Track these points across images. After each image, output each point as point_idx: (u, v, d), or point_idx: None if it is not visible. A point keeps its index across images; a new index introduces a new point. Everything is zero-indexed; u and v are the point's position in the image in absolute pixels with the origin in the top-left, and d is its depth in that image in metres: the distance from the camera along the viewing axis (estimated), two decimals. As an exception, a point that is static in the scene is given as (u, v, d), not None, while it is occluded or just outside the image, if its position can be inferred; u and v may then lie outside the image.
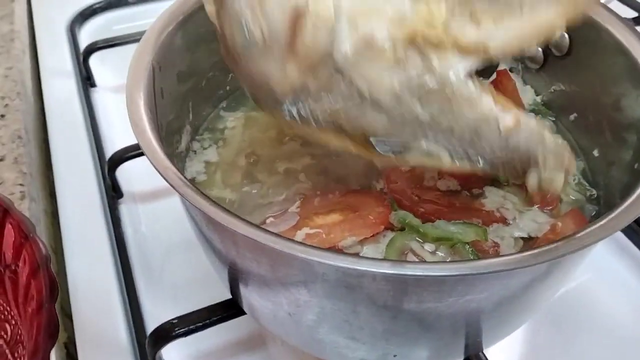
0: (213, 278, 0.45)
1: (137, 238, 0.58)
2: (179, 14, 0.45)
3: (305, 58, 0.35)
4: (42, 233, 0.61)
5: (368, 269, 0.28)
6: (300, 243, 0.31)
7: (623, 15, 0.47)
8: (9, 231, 0.39)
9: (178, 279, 0.54)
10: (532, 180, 0.36)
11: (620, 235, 0.54)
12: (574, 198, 0.45)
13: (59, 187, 0.64)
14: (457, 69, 0.34)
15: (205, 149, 0.50)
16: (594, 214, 0.44)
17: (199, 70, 0.50)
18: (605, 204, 0.44)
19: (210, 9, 0.38)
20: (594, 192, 0.46)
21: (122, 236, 0.58)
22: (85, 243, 0.58)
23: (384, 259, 0.38)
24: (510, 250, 0.41)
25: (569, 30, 0.48)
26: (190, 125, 0.49)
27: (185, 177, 0.34)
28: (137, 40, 0.75)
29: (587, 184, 0.46)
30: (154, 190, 0.63)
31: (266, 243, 0.31)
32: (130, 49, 0.76)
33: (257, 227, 0.32)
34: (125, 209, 0.61)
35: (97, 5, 0.91)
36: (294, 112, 0.37)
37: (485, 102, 0.35)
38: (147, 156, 0.34)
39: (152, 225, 0.59)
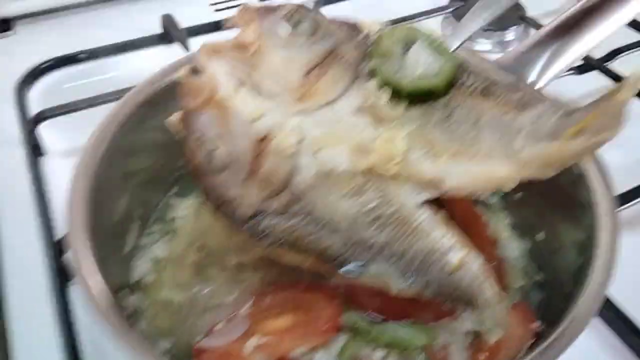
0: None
1: (88, 324, 0.57)
2: (118, 118, 0.45)
3: (266, 183, 0.37)
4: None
5: None
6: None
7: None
8: None
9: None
10: (467, 326, 0.40)
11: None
12: (520, 284, 0.46)
13: (4, 269, 0.62)
14: (411, 200, 0.36)
15: (154, 243, 0.49)
16: (539, 300, 0.45)
17: (147, 163, 0.49)
18: (551, 289, 0.45)
19: (172, 121, 0.38)
20: (540, 276, 0.46)
21: (72, 323, 0.56)
22: (32, 330, 0.56)
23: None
24: (459, 349, 0.41)
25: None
26: (140, 219, 0.49)
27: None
28: (87, 106, 0.74)
29: (532, 268, 0.47)
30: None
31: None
32: (81, 114, 0.76)
33: None
34: (75, 293, 0.60)
35: (46, 64, 0.88)
36: (252, 230, 0.39)
37: (435, 234, 0.36)
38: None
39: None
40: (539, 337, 0.41)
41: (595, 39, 0.52)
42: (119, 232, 0.45)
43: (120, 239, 0.45)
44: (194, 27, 0.87)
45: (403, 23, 0.81)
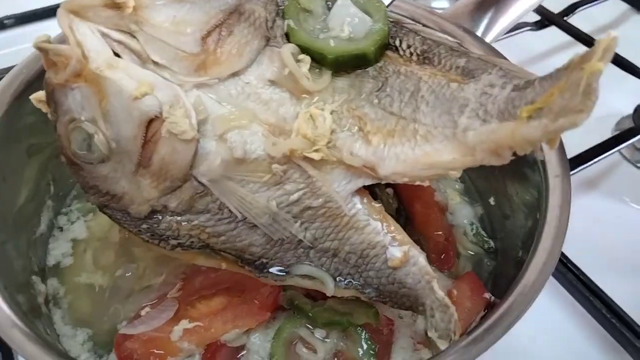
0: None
1: None
2: (8, 90, 0.39)
3: (161, 173, 0.30)
4: None
5: None
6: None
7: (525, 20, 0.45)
8: None
9: None
10: (419, 326, 0.36)
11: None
12: (472, 253, 0.44)
13: None
14: (341, 189, 0.31)
15: (72, 222, 0.45)
16: (491, 269, 0.43)
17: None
18: (503, 256, 0.43)
19: (37, 98, 0.32)
20: (492, 243, 0.44)
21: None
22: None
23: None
24: (406, 325, 0.39)
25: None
26: (53, 200, 0.44)
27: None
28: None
29: (484, 235, 0.44)
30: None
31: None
32: None
33: None
34: None
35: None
36: (151, 230, 0.32)
37: (373, 227, 0.32)
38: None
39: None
40: (491, 307, 0.39)
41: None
42: (27, 213, 0.40)
43: (30, 221, 0.41)
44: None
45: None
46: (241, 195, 0.31)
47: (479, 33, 0.45)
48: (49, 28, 0.79)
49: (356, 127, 0.30)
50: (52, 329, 0.38)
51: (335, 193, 0.31)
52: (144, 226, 0.32)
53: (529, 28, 0.75)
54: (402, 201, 0.45)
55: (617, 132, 0.59)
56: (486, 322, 0.32)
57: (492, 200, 0.45)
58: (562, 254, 0.47)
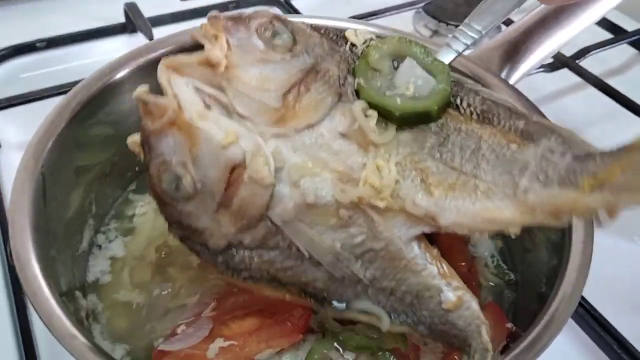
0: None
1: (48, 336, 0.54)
2: (66, 111, 0.42)
3: (240, 214, 0.33)
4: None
5: None
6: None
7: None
8: None
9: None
10: None
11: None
12: (492, 284, 0.45)
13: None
14: (402, 235, 0.33)
15: (110, 241, 0.47)
16: (511, 300, 0.44)
17: (102, 157, 0.46)
18: (524, 289, 0.44)
19: (132, 143, 0.35)
20: (512, 276, 0.46)
21: (29, 326, 0.53)
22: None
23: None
24: (431, 352, 0.40)
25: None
26: (94, 218, 0.46)
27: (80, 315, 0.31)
28: (46, 97, 0.71)
29: (505, 267, 0.46)
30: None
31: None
32: (40, 105, 0.72)
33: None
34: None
35: (2, 53, 0.84)
36: (226, 263, 0.36)
37: (429, 270, 0.34)
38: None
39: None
40: (512, 338, 0.40)
41: (567, 35, 0.51)
42: (72, 230, 0.43)
43: (74, 238, 0.43)
44: (159, 16, 0.84)
45: (373, 18, 0.80)
46: (310, 236, 0.33)
47: (503, 74, 0.48)
48: (78, 52, 0.83)
49: (419, 179, 0.33)
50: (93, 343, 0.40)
51: (397, 238, 0.33)
52: (220, 259, 0.36)
53: (542, 70, 0.78)
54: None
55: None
56: (512, 353, 0.33)
57: (512, 234, 0.46)
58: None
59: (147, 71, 0.47)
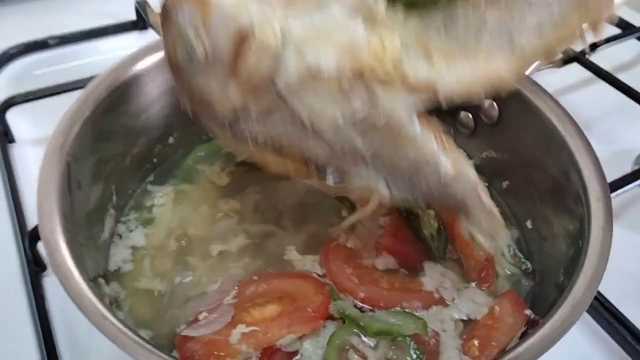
0: None
1: (63, 314, 0.54)
2: (89, 102, 0.42)
3: (247, 80, 0.34)
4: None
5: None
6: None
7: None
8: None
9: (104, 355, 0.50)
10: (465, 231, 0.39)
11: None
12: (509, 272, 0.46)
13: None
14: (403, 106, 0.34)
15: (131, 231, 0.47)
16: (529, 289, 0.45)
17: (122, 149, 0.47)
18: (541, 278, 0.45)
19: (155, 19, 0.36)
20: (529, 265, 0.46)
21: (46, 313, 0.54)
22: (6, 322, 0.54)
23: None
24: (451, 337, 0.41)
25: (498, 100, 0.48)
26: (114, 208, 0.47)
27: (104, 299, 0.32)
28: (59, 93, 0.72)
29: (522, 256, 0.47)
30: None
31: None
32: (52, 101, 0.73)
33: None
34: (49, 283, 0.57)
35: (13, 50, 0.85)
36: (233, 130, 0.36)
37: (428, 144, 0.35)
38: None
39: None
40: (530, 324, 0.41)
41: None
42: (94, 219, 0.43)
43: (95, 227, 0.43)
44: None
45: None
46: (312, 106, 0.34)
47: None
48: (89, 49, 0.84)
49: (422, 54, 0.34)
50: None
51: (397, 113, 0.34)
52: (228, 130, 0.37)
53: (551, 65, 0.78)
54: (443, 222, 0.47)
55: (637, 167, 0.62)
56: (530, 339, 0.34)
57: (529, 224, 0.47)
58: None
59: (160, 68, 0.48)
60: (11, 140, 0.72)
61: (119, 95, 0.45)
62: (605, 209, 0.38)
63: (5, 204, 0.64)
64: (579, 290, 0.35)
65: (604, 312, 0.49)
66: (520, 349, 0.33)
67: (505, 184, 0.50)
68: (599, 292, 0.50)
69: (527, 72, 0.49)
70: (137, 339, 0.30)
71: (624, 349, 0.49)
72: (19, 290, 0.56)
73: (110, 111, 0.44)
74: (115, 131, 0.45)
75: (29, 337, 0.51)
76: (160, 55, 0.47)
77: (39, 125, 0.74)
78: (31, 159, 0.70)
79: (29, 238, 0.57)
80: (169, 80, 0.49)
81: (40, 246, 0.57)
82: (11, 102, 0.72)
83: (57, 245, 0.33)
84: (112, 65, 0.46)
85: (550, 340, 0.33)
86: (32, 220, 0.59)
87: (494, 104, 0.49)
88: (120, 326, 0.30)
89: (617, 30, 0.85)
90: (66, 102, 0.73)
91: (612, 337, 0.49)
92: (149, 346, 0.30)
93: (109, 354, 0.50)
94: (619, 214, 0.64)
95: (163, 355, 0.29)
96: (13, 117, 0.73)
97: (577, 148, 0.42)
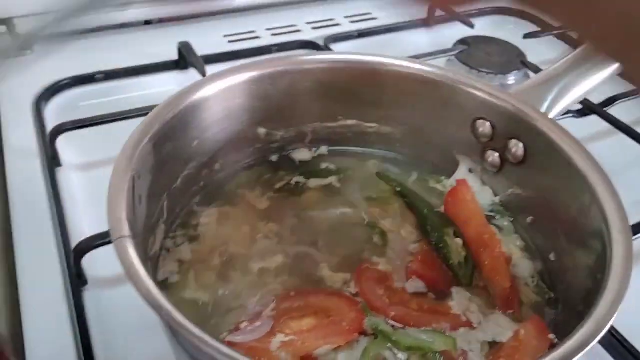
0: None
1: (101, 327, 0.57)
2: (154, 123, 0.47)
3: None
4: (1, 321, 0.59)
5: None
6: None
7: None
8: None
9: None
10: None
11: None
12: (533, 301, 0.48)
13: (20, 273, 0.62)
14: None
15: (178, 246, 0.51)
16: (552, 317, 0.47)
17: (175, 170, 0.51)
18: (564, 307, 0.47)
19: None
20: (552, 295, 0.48)
21: (86, 325, 0.57)
22: (48, 332, 0.56)
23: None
24: (477, 357, 0.43)
25: (525, 140, 0.52)
26: (165, 224, 0.50)
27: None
28: (105, 122, 0.77)
29: (544, 286, 0.49)
30: (120, 277, 0.62)
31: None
32: (97, 130, 0.78)
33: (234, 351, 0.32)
34: (89, 297, 0.60)
35: (63, 82, 0.91)
36: None
37: None
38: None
39: (118, 314, 0.58)
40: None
41: (598, 79, 0.56)
42: (148, 232, 0.46)
43: (149, 239, 0.47)
44: (211, 55, 0.91)
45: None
46: None
47: (544, 109, 0.52)
48: (133, 85, 0.90)
49: None
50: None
51: None
52: None
53: (571, 115, 0.82)
54: (470, 251, 0.50)
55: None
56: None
57: (552, 257, 0.50)
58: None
59: (228, 92, 0.53)
60: (58, 164, 0.77)
61: (179, 120, 0.49)
62: (626, 244, 0.41)
63: (51, 223, 0.68)
64: (599, 315, 0.37)
65: (620, 348, 0.51)
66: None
67: (529, 219, 0.53)
68: (616, 330, 0.53)
69: (551, 116, 0.53)
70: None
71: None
72: (60, 303, 0.59)
73: (170, 135, 0.48)
74: (171, 154, 0.49)
75: (70, 350, 0.54)
76: (216, 86, 0.52)
77: (83, 152, 0.79)
78: (75, 182, 0.75)
79: (74, 254, 0.60)
80: (222, 111, 0.54)
81: (84, 262, 0.61)
82: (61, 129, 0.78)
83: (127, 252, 0.36)
84: (176, 92, 0.50)
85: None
86: (75, 238, 0.62)
87: (520, 144, 0.52)
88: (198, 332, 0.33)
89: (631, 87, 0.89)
90: (109, 132, 0.79)
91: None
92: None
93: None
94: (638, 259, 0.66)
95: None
96: (60, 143, 0.78)
97: (600, 187, 0.45)
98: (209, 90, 0.51)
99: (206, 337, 0.32)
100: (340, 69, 0.57)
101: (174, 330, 0.35)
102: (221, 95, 0.52)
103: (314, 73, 0.56)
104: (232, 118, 0.54)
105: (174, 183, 0.51)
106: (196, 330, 0.33)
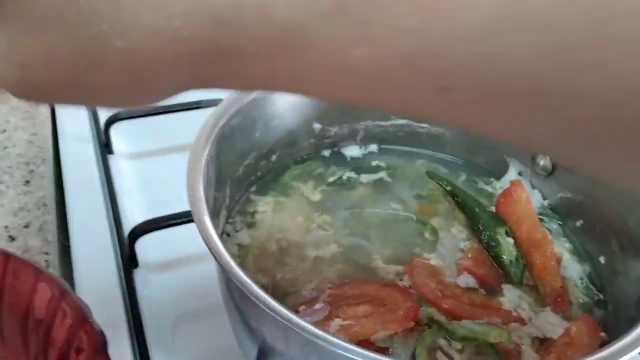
0: (232, 352, 0.47)
1: (152, 310, 0.59)
2: (230, 108, 0.49)
3: None
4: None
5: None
6: (352, 344, 0.33)
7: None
8: (43, 289, 0.40)
9: (194, 353, 0.55)
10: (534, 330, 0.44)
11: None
12: (582, 301, 0.49)
13: (75, 256, 0.65)
14: None
15: (237, 231, 0.53)
16: (602, 317, 0.48)
17: (239, 159, 0.53)
18: (613, 309, 0.48)
19: None
20: (601, 296, 0.49)
21: (138, 307, 0.59)
22: (100, 313, 0.59)
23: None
24: (529, 350, 0.44)
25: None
26: (226, 209, 0.52)
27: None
28: (157, 114, 0.79)
29: (594, 288, 0.50)
30: (169, 261, 0.65)
31: (321, 343, 0.33)
32: (149, 120, 0.80)
33: (311, 324, 0.34)
34: (140, 279, 0.62)
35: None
36: None
37: None
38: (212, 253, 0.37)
39: (168, 297, 0.61)
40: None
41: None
42: (214, 215, 0.48)
43: (214, 222, 0.49)
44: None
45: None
46: None
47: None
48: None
49: None
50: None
51: None
52: None
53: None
54: (522, 250, 0.51)
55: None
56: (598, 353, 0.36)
57: (602, 259, 0.50)
58: None
59: None
60: (110, 151, 0.79)
61: (246, 112, 0.51)
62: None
63: (104, 208, 0.70)
64: None
65: None
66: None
67: (579, 223, 0.54)
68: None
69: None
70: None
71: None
72: (114, 285, 0.61)
73: (237, 126, 0.50)
74: (237, 144, 0.51)
75: (123, 331, 0.56)
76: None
77: (134, 141, 0.81)
78: (126, 169, 0.77)
79: (128, 238, 0.62)
80: (285, 104, 0.56)
81: (137, 245, 0.63)
82: (116, 118, 0.80)
83: (209, 231, 0.38)
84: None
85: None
86: (126, 223, 0.65)
87: (573, 148, 0.53)
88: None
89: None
90: (159, 124, 0.81)
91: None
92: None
93: (199, 349, 0.54)
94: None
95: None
96: (113, 132, 0.80)
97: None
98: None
99: (284, 309, 0.34)
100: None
101: (246, 301, 0.36)
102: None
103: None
104: (294, 112, 0.56)
105: (236, 171, 0.53)
106: (274, 303, 0.34)
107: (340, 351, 0.32)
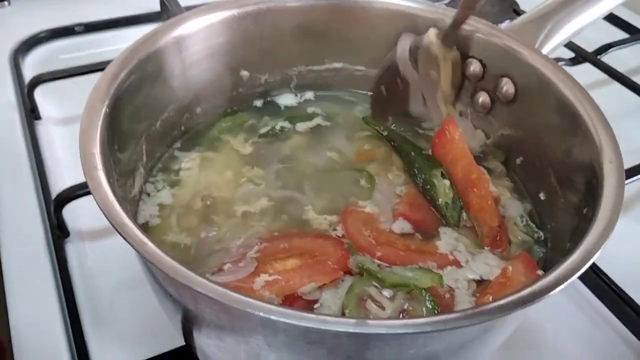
0: (164, 321, 0.44)
1: (84, 279, 0.56)
2: (133, 57, 0.45)
3: None
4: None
5: (332, 329, 0.28)
6: (263, 301, 0.30)
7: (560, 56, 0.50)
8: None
9: (128, 322, 0.52)
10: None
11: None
12: (522, 240, 0.47)
13: (1, 226, 0.61)
14: None
15: (158, 190, 0.49)
16: (541, 255, 0.46)
17: (153, 112, 0.49)
18: (552, 245, 0.46)
19: None
20: (541, 234, 0.48)
21: (69, 277, 0.56)
22: (29, 285, 0.55)
23: (347, 317, 0.38)
24: (464, 293, 0.42)
25: (516, 78, 0.50)
26: (144, 168, 0.49)
27: (137, 224, 0.34)
28: (84, 73, 0.75)
29: (534, 226, 0.48)
30: (102, 228, 0.61)
31: (228, 303, 0.30)
32: (77, 81, 0.75)
33: (219, 284, 0.31)
34: (71, 249, 0.59)
35: (42, 35, 0.88)
36: None
37: None
38: (103, 213, 0.33)
39: (100, 265, 0.57)
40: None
41: (591, 17, 0.54)
42: (126, 173, 0.45)
43: (127, 182, 0.45)
44: (194, 6, 0.88)
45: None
46: None
47: (536, 46, 0.50)
48: (114, 38, 0.88)
49: None
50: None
51: None
52: None
53: (563, 63, 0.81)
54: (458, 191, 0.49)
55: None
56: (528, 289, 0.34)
57: (542, 196, 0.49)
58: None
59: (208, 30, 0.51)
60: (37, 117, 0.75)
61: (157, 56, 0.47)
62: (617, 174, 0.39)
63: (31, 176, 0.66)
64: (589, 243, 0.36)
65: (609, 291, 0.52)
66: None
67: (519, 160, 0.52)
68: (605, 274, 0.52)
69: (544, 52, 0.51)
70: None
71: (627, 326, 0.51)
72: (42, 256, 0.58)
73: (148, 71, 0.46)
74: (148, 94, 0.47)
75: (53, 302, 0.53)
76: (196, 23, 0.50)
77: (62, 105, 0.76)
78: (55, 136, 0.73)
79: (54, 205, 0.59)
80: (202, 50, 0.52)
81: (64, 213, 0.59)
82: (38, 80, 0.75)
83: (103, 191, 0.35)
84: (155, 27, 0.48)
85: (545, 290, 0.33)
86: (56, 191, 0.61)
87: (511, 82, 0.51)
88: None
89: (624, 34, 0.88)
90: (89, 85, 0.77)
91: (617, 316, 0.52)
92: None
93: (132, 318, 0.52)
94: (628, 206, 0.66)
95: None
96: (40, 96, 0.75)
97: (591, 120, 0.44)
98: (188, 27, 0.49)
99: (186, 271, 0.31)
100: (324, 8, 0.55)
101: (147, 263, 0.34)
102: (201, 33, 0.50)
103: (298, 12, 0.54)
104: (214, 58, 0.52)
105: (152, 125, 0.49)
106: (175, 264, 0.31)
107: (240, 307, 0.29)
